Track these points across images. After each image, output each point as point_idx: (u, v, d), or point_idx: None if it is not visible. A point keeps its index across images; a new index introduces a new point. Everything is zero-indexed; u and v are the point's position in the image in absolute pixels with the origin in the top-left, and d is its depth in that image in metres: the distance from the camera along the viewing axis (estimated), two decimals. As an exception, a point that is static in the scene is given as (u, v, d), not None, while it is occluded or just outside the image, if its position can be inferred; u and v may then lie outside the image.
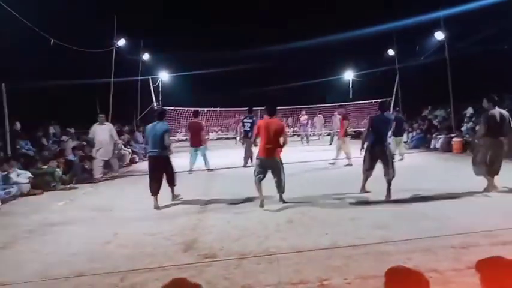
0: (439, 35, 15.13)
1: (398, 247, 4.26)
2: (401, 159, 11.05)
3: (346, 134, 10.61)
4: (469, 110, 15.84)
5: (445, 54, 14.57)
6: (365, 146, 6.80)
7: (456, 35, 15.12)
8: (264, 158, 6.26)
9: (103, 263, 4.16)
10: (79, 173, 9.63)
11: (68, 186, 8.76)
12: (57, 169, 8.87)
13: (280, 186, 6.43)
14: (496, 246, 4.10)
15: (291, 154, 14.26)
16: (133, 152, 13.58)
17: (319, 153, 12.98)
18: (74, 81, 14.30)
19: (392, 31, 18.49)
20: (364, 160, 6.92)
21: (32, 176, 8.28)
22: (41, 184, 8.39)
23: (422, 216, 5.46)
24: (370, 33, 18.50)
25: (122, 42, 15.57)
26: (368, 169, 6.82)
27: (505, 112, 6.71)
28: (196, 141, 10.36)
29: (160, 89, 21.55)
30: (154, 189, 6.58)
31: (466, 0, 13.79)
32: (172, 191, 7.04)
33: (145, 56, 21.32)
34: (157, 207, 6.49)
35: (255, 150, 7.12)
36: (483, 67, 15.12)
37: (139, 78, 19.64)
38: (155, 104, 17.89)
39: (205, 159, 10.47)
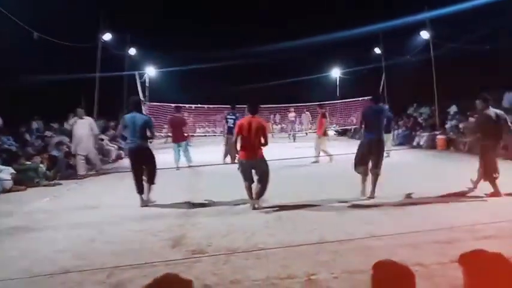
0: (425, 34, 15.37)
1: (384, 242, 4.32)
2: (387, 156, 11.17)
3: (325, 133, 10.68)
4: (453, 108, 16.15)
5: (430, 53, 14.82)
6: (359, 141, 6.49)
7: (442, 35, 15.37)
8: (245, 160, 5.92)
9: (89, 259, 4.11)
10: (63, 169, 9.48)
11: (52, 182, 8.62)
12: (41, 165, 8.71)
13: (260, 191, 5.97)
14: (478, 241, 4.20)
15: (278, 151, 14.38)
16: (119, 148, 13.43)
17: (306, 150, 13.04)
18: (58, 76, 14.01)
19: (379, 30, 18.69)
20: (356, 157, 6.51)
21: (14, 172, 8.11)
22: (24, 180, 8.22)
23: (409, 212, 5.56)
24: (357, 31, 18.64)
25: (107, 36, 15.33)
26: (362, 164, 6.43)
27: (500, 112, 6.28)
28: (179, 136, 10.23)
29: (147, 85, 21.33)
30: (140, 188, 6.36)
31: (452, 2, 14.02)
32: (149, 189, 6.47)
33: (132, 51, 21.05)
34: (144, 205, 6.35)
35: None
36: (467, 67, 15.41)
37: (125, 73, 19.39)
38: (142, 99, 17.69)
39: (187, 155, 10.34)
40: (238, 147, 5.97)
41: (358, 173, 6.53)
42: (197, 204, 6.41)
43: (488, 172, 6.27)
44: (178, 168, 10.06)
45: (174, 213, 5.93)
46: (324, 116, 10.98)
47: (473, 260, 2.10)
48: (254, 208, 5.88)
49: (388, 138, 11.69)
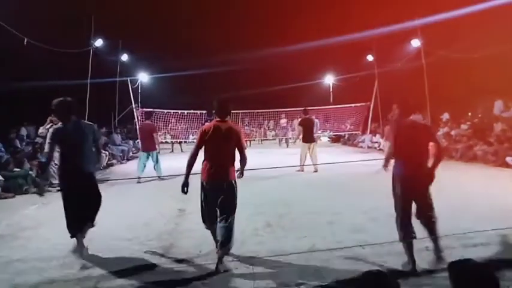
0: (416, 43, 15.55)
1: (375, 250, 4.31)
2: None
3: (307, 140, 10.53)
4: (445, 115, 16.30)
5: (422, 61, 15.00)
6: (389, 169, 4.14)
7: (433, 43, 15.56)
8: (211, 181, 4.07)
9: (76, 269, 4.04)
10: (52, 176, 9.35)
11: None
12: (31, 172, 8.60)
13: (226, 238, 3.94)
14: (468, 248, 4.23)
15: (271, 157, 14.37)
16: (111, 155, 13.34)
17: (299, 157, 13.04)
18: (48, 82, 13.90)
19: (372, 37, 18.85)
20: (395, 197, 4.08)
21: (2, 179, 8.00)
22: (13, 187, 8.11)
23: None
24: (350, 38, 18.80)
25: (99, 42, 15.28)
26: (405, 214, 3.99)
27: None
28: (149, 145, 9.44)
29: (139, 91, 21.26)
30: (76, 228, 4.43)
31: (442, 10, 14.23)
32: (84, 231, 4.48)
33: (124, 57, 21.00)
34: (80, 254, 4.35)
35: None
36: (457, 74, 15.62)
37: (117, 79, 19.32)
38: (134, 105, 17.64)
39: (157, 165, 9.53)
40: (203, 164, 4.13)
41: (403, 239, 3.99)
42: (187, 212, 6.35)
43: None
44: (139, 180, 9.21)
45: (164, 221, 5.87)
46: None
47: (461, 269, 2.12)
48: (220, 271, 3.85)
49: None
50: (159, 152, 9.71)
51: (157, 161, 9.56)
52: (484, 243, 4.43)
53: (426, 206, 4.01)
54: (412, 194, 3.98)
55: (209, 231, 4.29)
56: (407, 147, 3.94)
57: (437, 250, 3.92)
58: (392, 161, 4.10)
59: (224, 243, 3.93)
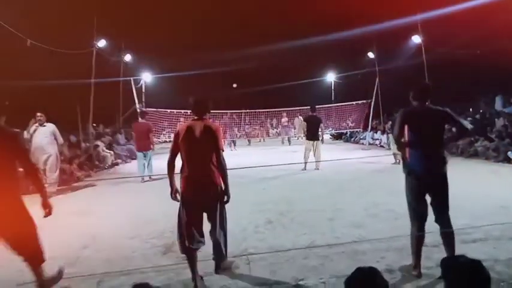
0: (416, 39, 15.53)
1: (373, 246, 4.37)
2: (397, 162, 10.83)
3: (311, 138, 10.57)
4: (446, 111, 16.28)
5: (423, 57, 14.99)
6: (403, 165, 3.81)
7: (435, 39, 15.54)
8: (192, 195, 3.51)
9: (80, 267, 4.13)
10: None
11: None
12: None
13: (215, 253, 3.73)
14: (466, 244, 4.26)
15: (273, 155, 14.44)
16: (115, 155, 13.46)
17: (301, 154, 13.10)
18: (53, 82, 14.04)
19: (372, 34, 18.84)
20: (408, 195, 3.70)
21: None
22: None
23: (397, 216, 5.60)
24: (351, 35, 18.81)
25: (102, 43, 15.39)
26: (419, 213, 3.61)
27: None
28: (145, 144, 9.51)
29: (143, 90, 21.39)
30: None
31: (444, 5, 14.19)
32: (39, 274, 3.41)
33: (128, 57, 21.14)
34: None
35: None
36: (460, 71, 15.59)
37: (120, 79, 19.45)
38: (138, 105, 17.75)
39: (149, 164, 9.58)
40: (180, 171, 3.57)
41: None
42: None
43: None
44: (143, 180, 9.40)
45: (166, 219, 5.92)
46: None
47: (452, 265, 2.17)
48: (219, 273, 3.76)
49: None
50: (153, 150, 9.75)
51: (150, 160, 9.60)
52: (482, 239, 4.48)
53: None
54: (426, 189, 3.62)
55: (209, 227, 3.67)
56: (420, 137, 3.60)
57: None
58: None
59: (217, 260, 3.74)
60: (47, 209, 3.58)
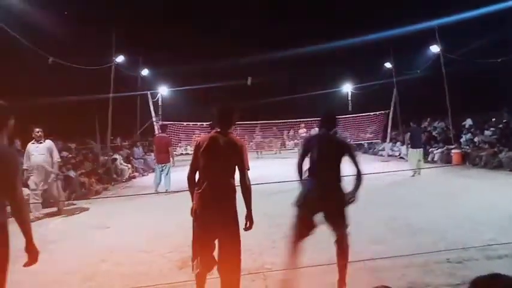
0: (435, 48, 15.29)
1: (394, 262, 4.24)
2: (417, 174, 10.74)
3: None
4: (468, 121, 15.89)
5: (441, 67, 14.72)
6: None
7: (453, 48, 15.28)
8: (207, 216, 3.19)
9: (98, 281, 4.14)
10: (78, 189, 9.63)
11: (66, 203, 8.74)
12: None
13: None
14: (492, 260, 4.09)
15: (289, 167, 14.29)
16: (133, 168, 13.62)
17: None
18: (72, 98, 14.40)
19: (389, 43, 18.70)
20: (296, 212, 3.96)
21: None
22: (38, 201, 8.36)
23: (418, 231, 5.44)
24: (368, 45, 18.72)
25: (120, 58, 15.75)
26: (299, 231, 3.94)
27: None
28: (163, 158, 9.71)
29: (160, 104, 21.70)
30: None
31: (462, 12, 14.00)
32: None
33: (145, 72, 21.54)
34: None
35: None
36: (480, 80, 15.25)
37: (138, 93, 19.81)
38: (154, 118, 17.99)
39: (167, 178, 9.66)
40: (197, 185, 3.25)
41: None
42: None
43: None
44: (157, 192, 9.45)
45: (183, 234, 5.90)
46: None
47: (489, 287, 2.03)
48: None
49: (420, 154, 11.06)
50: (173, 165, 9.93)
51: (167, 174, 9.74)
52: (509, 255, 4.28)
53: None
54: None
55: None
56: None
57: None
58: None
59: None
60: (32, 254, 2.70)
